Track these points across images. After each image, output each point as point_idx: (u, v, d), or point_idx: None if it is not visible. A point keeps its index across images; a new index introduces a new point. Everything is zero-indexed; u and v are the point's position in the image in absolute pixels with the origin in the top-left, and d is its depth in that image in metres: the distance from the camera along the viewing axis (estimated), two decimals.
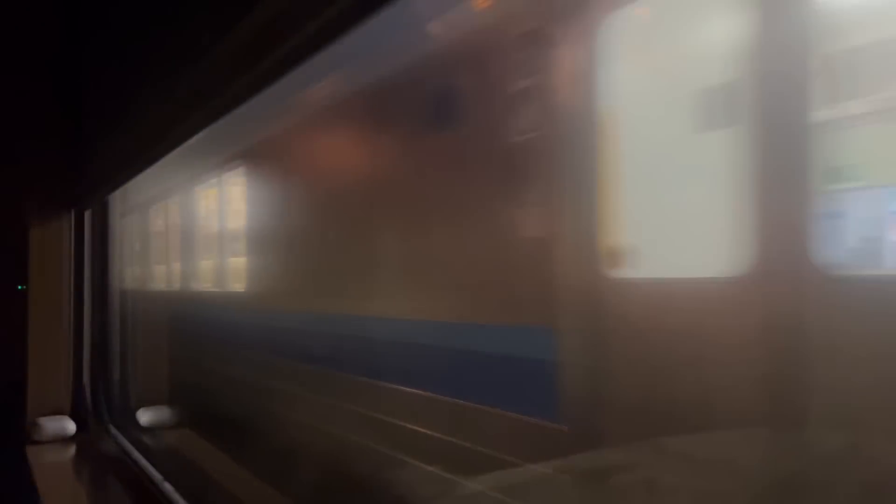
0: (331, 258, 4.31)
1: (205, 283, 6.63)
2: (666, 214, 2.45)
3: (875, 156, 2.28)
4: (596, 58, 2.44)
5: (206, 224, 6.70)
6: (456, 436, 2.85)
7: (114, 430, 4.92)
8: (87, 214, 4.89)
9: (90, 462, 4.35)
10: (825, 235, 2.05)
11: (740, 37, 2.23)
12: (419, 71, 3.56)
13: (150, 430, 7.95)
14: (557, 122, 2.58)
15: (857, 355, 1.85)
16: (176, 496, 3.72)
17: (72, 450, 4.40)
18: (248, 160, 5.65)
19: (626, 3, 2.44)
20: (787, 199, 2.08)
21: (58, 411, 4.54)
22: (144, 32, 2.92)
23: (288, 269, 5.01)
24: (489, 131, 2.75)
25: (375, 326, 3.50)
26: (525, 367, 2.59)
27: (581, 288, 2.48)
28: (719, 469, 2.04)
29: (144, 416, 8.14)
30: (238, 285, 5.90)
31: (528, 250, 2.66)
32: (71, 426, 4.52)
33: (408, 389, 3.16)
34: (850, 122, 2.13)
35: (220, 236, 6.30)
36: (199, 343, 6.19)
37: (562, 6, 2.66)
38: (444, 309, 2.99)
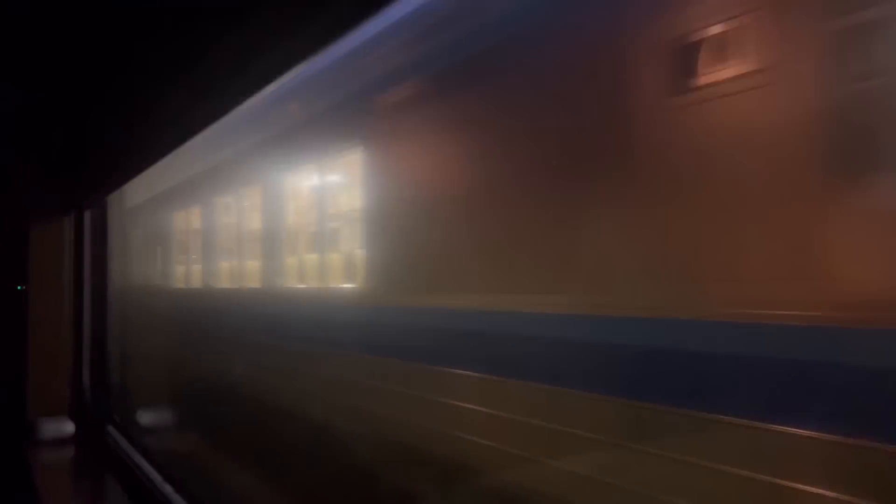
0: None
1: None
2: None
3: None
4: None
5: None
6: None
7: (113, 431, 4.92)
8: (87, 215, 4.89)
9: (89, 462, 4.35)
10: None
11: None
12: None
13: (149, 430, 7.94)
14: None
15: None
16: (175, 497, 3.72)
17: (71, 450, 4.40)
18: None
19: None
20: None
21: (57, 411, 4.54)
22: (145, 33, 2.92)
23: None
24: None
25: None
26: None
27: None
28: None
29: (144, 417, 8.13)
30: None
31: None
32: (70, 426, 4.51)
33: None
34: None
35: None
36: None
37: None
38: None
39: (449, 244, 4.20)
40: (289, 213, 6.33)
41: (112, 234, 5.06)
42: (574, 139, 3.43)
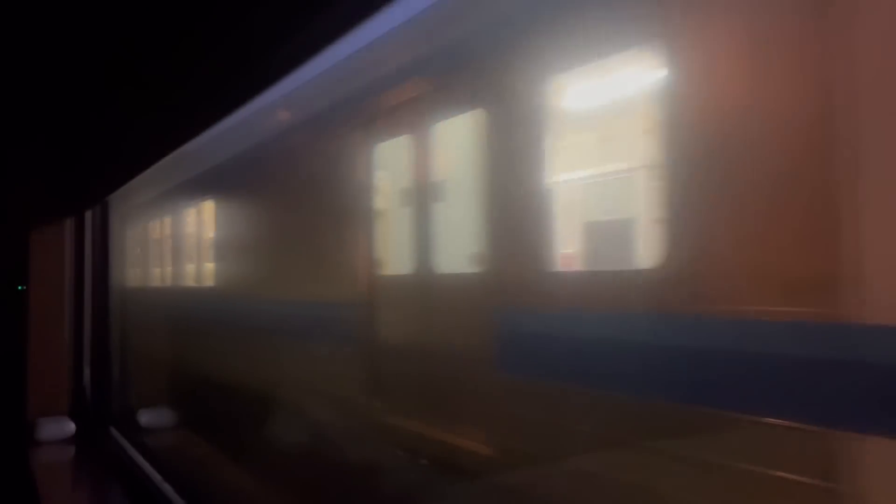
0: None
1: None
2: (398, 246, 5.20)
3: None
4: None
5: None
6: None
7: (114, 431, 4.92)
8: (88, 215, 4.89)
9: (90, 463, 4.36)
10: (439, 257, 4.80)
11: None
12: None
13: (149, 430, 7.97)
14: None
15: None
16: (175, 497, 3.73)
17: (72, 451, 4.41)
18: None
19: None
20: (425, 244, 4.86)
21: (58, 412, 4.55)
22: (145, 36, 2.93)
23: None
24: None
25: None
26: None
27: (366, 281, 5.34)
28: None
29: (144, 417, 8.16)
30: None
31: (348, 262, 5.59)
32: (71, 427, 4.52)
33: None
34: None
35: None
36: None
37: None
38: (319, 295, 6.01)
39: (248, 263, 7.69)
40: (184, 236, 10.03)
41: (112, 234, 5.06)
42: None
